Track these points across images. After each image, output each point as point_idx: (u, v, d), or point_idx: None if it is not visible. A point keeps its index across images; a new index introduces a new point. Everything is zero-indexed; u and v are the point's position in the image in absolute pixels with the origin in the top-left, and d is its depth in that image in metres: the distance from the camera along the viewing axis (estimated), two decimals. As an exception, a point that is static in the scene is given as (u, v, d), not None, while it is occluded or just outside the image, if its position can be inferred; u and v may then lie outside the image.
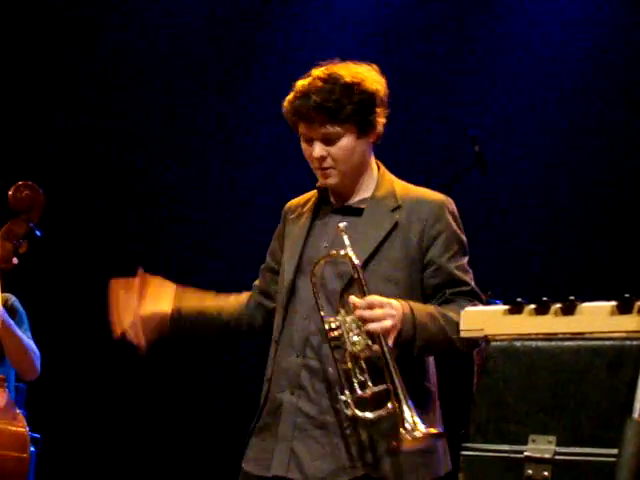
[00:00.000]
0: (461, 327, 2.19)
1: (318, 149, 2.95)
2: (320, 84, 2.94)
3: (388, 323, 2.77)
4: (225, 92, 6.38)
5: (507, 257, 5.58)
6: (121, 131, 6.38)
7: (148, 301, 3.15)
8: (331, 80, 2.94)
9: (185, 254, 6.28)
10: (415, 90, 5.90)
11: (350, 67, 3.00)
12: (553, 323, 2.07)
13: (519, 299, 2.12)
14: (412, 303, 2.86)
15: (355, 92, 2.93)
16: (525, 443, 2.01)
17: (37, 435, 4.26)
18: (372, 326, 2.77)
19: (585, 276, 5.37)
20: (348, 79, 2.94)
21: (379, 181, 3.05)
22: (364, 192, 3.04)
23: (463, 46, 6.09)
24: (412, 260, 2.95)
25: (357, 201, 3.04)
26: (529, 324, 2.10)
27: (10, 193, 3.59)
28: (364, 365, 2.80)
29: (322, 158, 2.96)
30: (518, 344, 2.09)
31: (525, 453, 2.00)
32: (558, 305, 2.08)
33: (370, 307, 2.79)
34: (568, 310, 2.07)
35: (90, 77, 6.36)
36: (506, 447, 2.03)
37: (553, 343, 2.05)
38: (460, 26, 6.09)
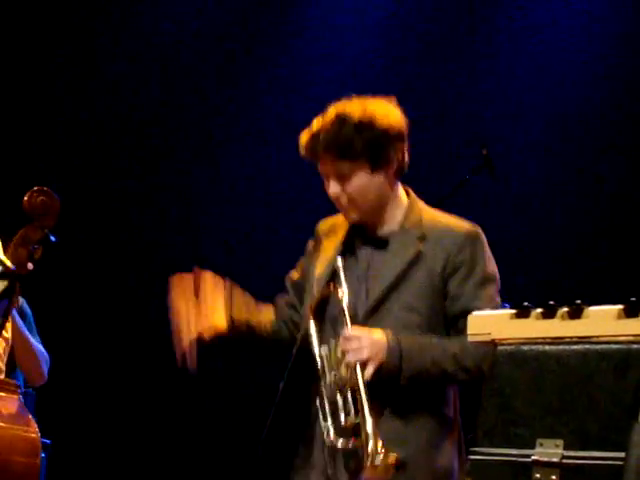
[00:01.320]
0: (469, 332, 2.19)
1: (332, 187, 3.03)
2: (329, 124, 3.00)
3: (363, 354, 2.87)
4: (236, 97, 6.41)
5: (515, 261, 5.57)
6: (137, 137, 6.42)
7: (204, 309, 3.17)
8: (339, 119, 3.00)
9: (198, 259, 6.30)
10: (422, 93, 5.92)
11: (364, 103, 3.04)
12: (560, 327, 2.08)
13: (526, 303, 2.13)
14: (402, 335, 2.93)
15: (365, 129, 2.98)
16: (533, 447, 2.02)
17: (47, 441, 4.28)
18: (348, 357, 2.89)
19: (592, 280, 5.36)
20: (357, 117, 2.99)
21: (407, 210, 3.09)
22: (391, 222, 3.08)
23: (470, 48, 6.10)
24: (436, 290, 3.00)
25: (384, 232, 3.08)
26: (536, 328, 2.10)
27: (25, 199, 3.61)
28: (349, 395, 2.89)
29: (337, 197, 3.03)
30: (525, 348, 2.09)
31: (533, 457, 2.01)
32: (565, 309, 2.08)
33: (348, 339, 2.89)
34: (575, 314, 2.07)
35: (102, 82, 6.39)
36: (514, 451, 2.04)
37: (560, 347, 2.06)
38: (467, 28, 6.10)
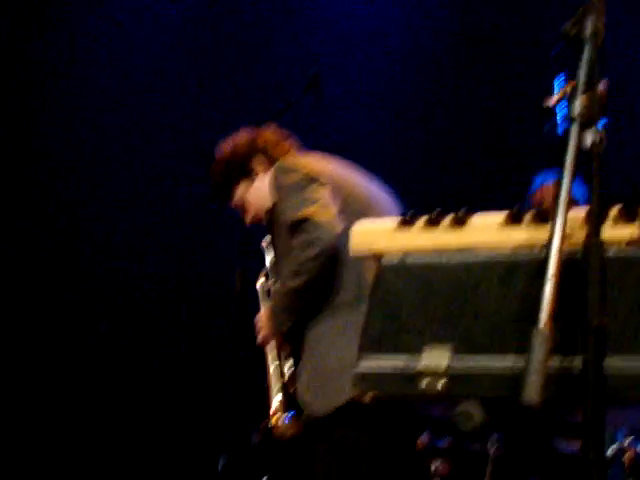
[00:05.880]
0: (351, 245, 2.17)
1: None
2: None
3: (260, 335, 3.78)
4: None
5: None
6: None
7: None
8: None
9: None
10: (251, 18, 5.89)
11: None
12: (444, 237, 2.08)
13: (409, 213, 2.12)
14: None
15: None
16: (419, 355, 2.02)
17: None
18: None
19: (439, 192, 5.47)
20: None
21: None
22: None
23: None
24: None
25: None
26: (420, 239, 2.10)
27: None
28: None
29: None
30: (409, 259, 2.09)
31: (420, 364, 2.01)
32: (449, 218, 2.09)
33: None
34: (459, 223, 2.08)
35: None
36: (401, 359, 2.04)
37: (445, 256, 2.06)
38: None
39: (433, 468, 4.45)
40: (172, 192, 6.47)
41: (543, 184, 4.69)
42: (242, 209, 3.92)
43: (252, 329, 4.90)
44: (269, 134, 3.91)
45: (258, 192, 3.84)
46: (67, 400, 6.32)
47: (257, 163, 3.86)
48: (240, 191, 3.89)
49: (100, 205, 6.47)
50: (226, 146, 3.93)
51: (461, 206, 2.13)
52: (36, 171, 6.45)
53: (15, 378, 6.26)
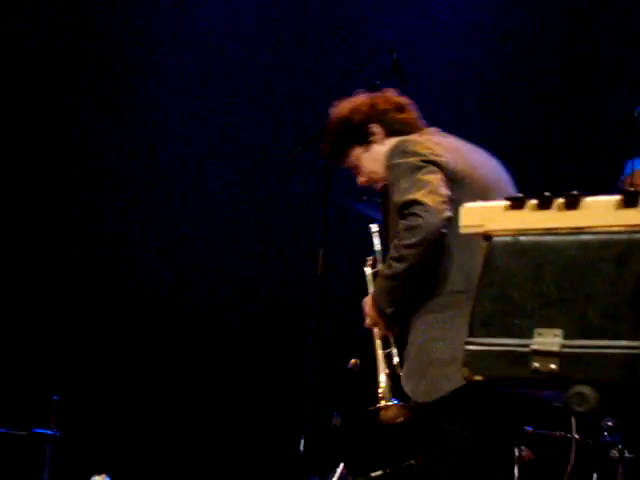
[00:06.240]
0: (461, 223, 2.16)
1: None
2: None
3: (366, 321, 3.58)
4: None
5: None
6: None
7: None
8: None
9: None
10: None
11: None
12: (557, 218, 2.06)
13: (520, 194, 2.11)
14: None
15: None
16: (531, 337, 2.01)
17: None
18: None
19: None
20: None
21: None
22: None
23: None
24: None
25: None
26: (531, 219, 2.08)
27: None
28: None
29: None
30: (522, 239, 2.07)
31: (531, 346, 2.00)
32: (561, 200, 2.07)
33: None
34: (571, 205, 2.06)
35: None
36: (512, 341, 2.02)
37: (558, 238, 2.04)
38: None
39: (517, 454, 4.41)
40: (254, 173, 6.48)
41: (636, 169, 4.66)
42: (356, 171, 3.81)
43: (334, 309, 4.90)
44: (390, 100, 3.77)
45: (375, 157, 3.67)
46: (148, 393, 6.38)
47: (375, 129, 3.72)
48: (355, 153, 3.76)
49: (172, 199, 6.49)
50: (345, 106, 3.77)
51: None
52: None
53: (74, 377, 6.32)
